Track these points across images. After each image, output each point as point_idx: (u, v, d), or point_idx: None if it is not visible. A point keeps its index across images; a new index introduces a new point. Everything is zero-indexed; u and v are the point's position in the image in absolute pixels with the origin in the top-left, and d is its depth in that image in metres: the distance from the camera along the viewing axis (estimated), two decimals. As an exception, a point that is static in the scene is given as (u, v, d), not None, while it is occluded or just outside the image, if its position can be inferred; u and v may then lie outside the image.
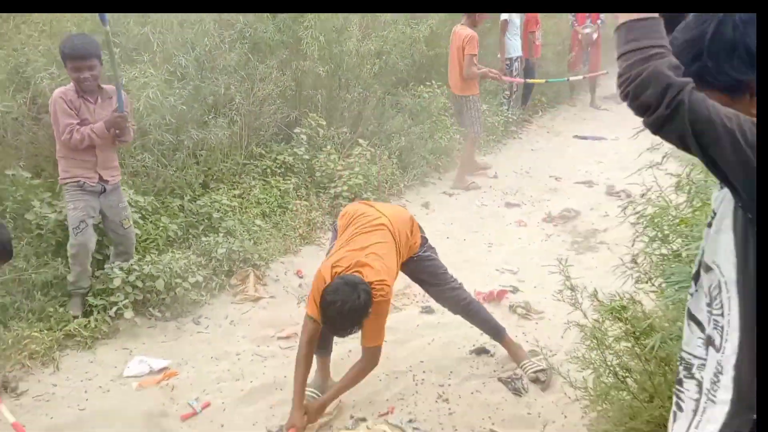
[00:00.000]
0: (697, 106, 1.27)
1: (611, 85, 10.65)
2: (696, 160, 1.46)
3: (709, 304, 1.49)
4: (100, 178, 3.93)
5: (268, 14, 5.93)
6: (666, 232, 2.63)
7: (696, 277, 1.54)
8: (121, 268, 3.92)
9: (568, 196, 6.35)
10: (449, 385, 3.44)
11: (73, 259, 3.88)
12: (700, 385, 1.52)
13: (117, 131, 3.82)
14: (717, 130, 1.26)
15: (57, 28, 4.64)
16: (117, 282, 3.86)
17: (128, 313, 3.83)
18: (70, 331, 3.69)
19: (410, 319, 4.06)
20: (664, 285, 2.57)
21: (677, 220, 2.55)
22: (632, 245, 2.85)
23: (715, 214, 1.44)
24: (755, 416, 1.40)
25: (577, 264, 4.71)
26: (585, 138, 8.42)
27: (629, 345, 2.63)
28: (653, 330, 2.53)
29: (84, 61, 3.71)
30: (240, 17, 5.65)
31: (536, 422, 3.13)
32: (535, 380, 3.44)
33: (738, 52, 1.35)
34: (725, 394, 1.44)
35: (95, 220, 4.00)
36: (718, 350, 1.46)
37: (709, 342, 1.50)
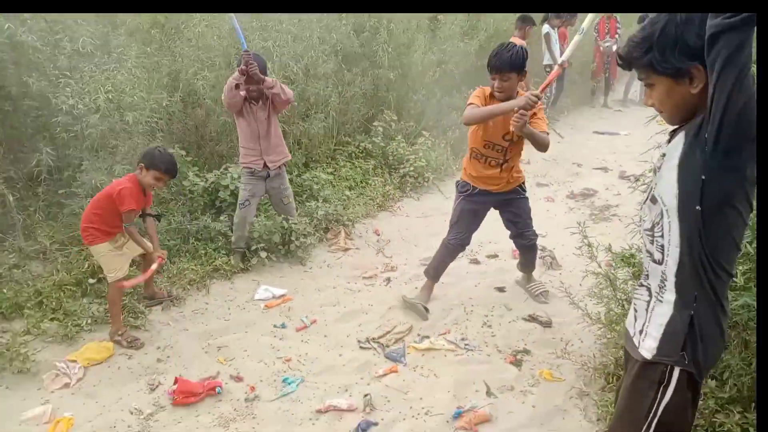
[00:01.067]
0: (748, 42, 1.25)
1: (621, 91, 10.54)
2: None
3: (650, 229, 1.57)
4: (265, 164, 3.97)
5: (353, 32, 6.07)
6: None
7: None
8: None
9: (587, 178, 6.37)
10: (492, 315, 3.63)
11: (236, 227, 4.10)
12: (649, 290, 1.62)
13: (245, 66, 3.62)
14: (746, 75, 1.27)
15: (203, 41, 4.93)
16: (255, 234, 4.20)
17: (262, 253, 4.17)
18: (216, 266, 4.02)
19: (461, 267, 4.22)
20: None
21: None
22: (640, 209, 2.98)
23: (663, 156, 1.51)
24: (692, 312, 1.49)
25: (593, 231, 4.82)
26: (602, 133, 8.32)
27: (634, 284, 2.80)
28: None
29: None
30: (334, 35, 5.82)
31: (559, 344, 3.30)
32: (539, 299, 3.71)
33: (679, 45, 1.39)
34: (670, 295, 1.54)
35: (259, 200, 4.13)
36: (659, 263, 1.55)
37: (652, 258, 1.59)
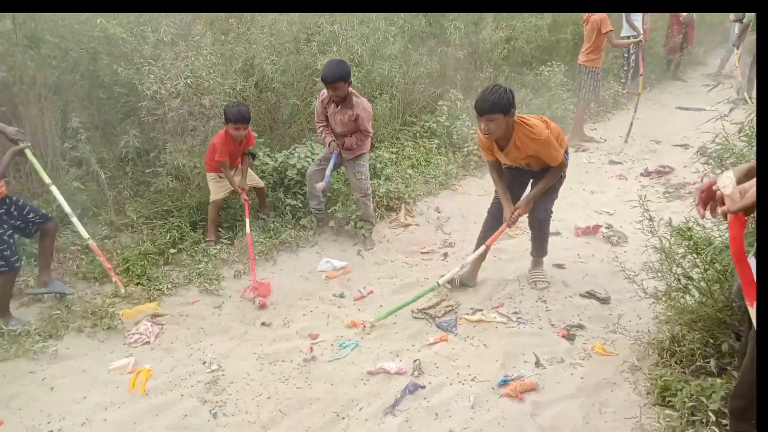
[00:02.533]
0: None
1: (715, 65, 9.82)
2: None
3: None
4: (340, 154, 4.16)
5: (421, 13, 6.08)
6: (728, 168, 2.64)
7: None
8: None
9: (665, 155, 6.08)
10: (548, 291, 3.62)
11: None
12: None
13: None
14: None
15: (275, 28, 5.16)
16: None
17: (332, 222, 4.48)
18: (283, 239, 4.28)
19: (519, 244, 4.19)
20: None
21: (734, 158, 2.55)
22: (700, 181, 2.87)
23: None
24: None
25: (666, 209, 4.64)
26: (687, 109, 7.85)
27: (692, 258, 2.71)
28: (712, 246, 2.60)
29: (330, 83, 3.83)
30: (402, 15, 5.86)
31: (614, 319, 3.27)
32: (533, 285, 3.63)
33: None
34: None
35: (333, 167, 4.18)
36: None
37: None
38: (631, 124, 6.65)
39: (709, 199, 1.69)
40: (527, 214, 3.54)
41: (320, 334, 3.28)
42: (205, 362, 3.06)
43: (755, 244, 1.62)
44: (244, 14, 5.46)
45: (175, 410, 2.71)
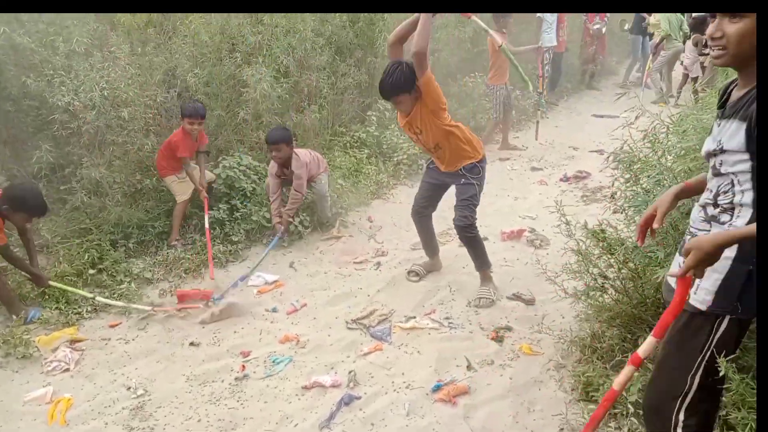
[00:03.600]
0: None
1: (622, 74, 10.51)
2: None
3: (716, 195, 1.61)
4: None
5: (349, 24, 6.13)
6: (635, 173, 2.81)
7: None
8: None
9: (582, 161, 6.40)
10: (491, 306, 3.64)
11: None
12: None
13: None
14: None
15: (197, 38, 5.03)
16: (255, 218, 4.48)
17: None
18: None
19: (450, 251, 4.28)
20: (631, 212, 2.77)
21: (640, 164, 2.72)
22: (612, 185, 3.04)
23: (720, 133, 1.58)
24: (751, 267, 1.53)
25: (584, 212, 4.88)
26: (601, 116, 8.31)
27: (607, 258, 2.87)
28: (624, 247, 2.76)
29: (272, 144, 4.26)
30: (329, 28, 5.87)
31: (539, 320, 3.38)
32: (476, 302, 3.59)
33: None
34: (730, 252, 1.55)
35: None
36: (723, 224, 1.59)
37: (712, 219, 1.63)
38: (537, 122, 7.19)
39: (647, 227, 1.82)
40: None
41: (252, 351, 3.21)
42: (129, 387, 2.92)
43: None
44: (165, 24, 5.29)
45: (98, 440, 2.56)
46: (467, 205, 3.54)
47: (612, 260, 2.81)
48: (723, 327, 1.63)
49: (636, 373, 2.53)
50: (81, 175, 4.20)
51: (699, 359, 1.68)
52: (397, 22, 6.38)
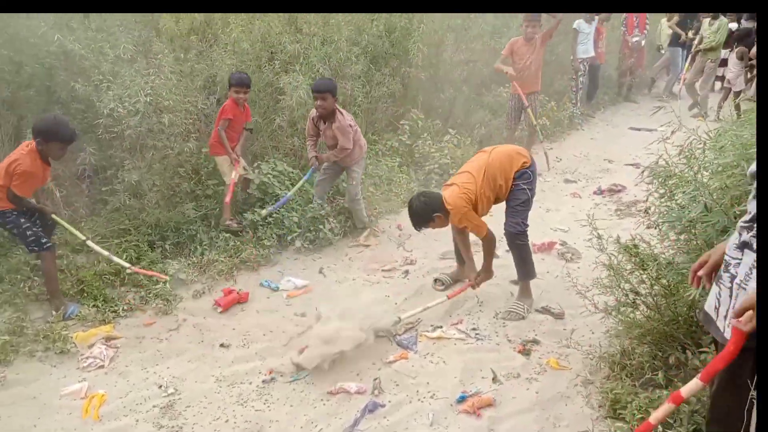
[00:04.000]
0: None
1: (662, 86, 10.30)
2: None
3: (750, 221, 1.60)
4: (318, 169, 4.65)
5: (385, 32, 6.16)
6: (670, 188, 2.76)
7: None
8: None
9: (617, 174, 6.29)
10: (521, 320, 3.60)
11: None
12: (732, 277, 1.64)
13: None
14: None
15: (238, 46, 5.16)
16: (287, 223, 4.55)
17: (297, 242, 4.48)
18: (243, 258, 4.21)
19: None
20: (664, 228, 2.71)
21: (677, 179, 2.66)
22: (646, 200, 2.99)
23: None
24: None
25: (617, 226, 4.79)
26: (639, 129, 8.15)
27: (639, 274, 2.81)
28: (657, 262, 2.70)
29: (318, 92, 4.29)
30: (365, 36, 5.93)
31: (567, 334, 3.34)
32: (505, 315, 3.56)
33: None
34: (754, 283, 1.54)
35: (330, 178, 4.77)
36: (753, 251, 1.57)
37: (745, 245, 1.61)
38: (546, 153, 6.46)
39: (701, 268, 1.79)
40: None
41: (281, 355, 3.25)
42: (161, 386, 2.99)
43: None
44: (207, 32, 5.44)
45: (129, 435, 2.64)
46: (520, 211, 3.54)
47: (644, 276, 2.76)
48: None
49: (666, 392, 2.50)
50: (122, 177, 4.34)
51: (746, 385, 1.64)
52: (431, 31, 6.46)
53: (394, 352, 3.25)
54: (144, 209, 4.40)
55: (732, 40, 8.09)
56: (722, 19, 8.11)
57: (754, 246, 1.56)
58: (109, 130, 4.21)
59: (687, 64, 9.19)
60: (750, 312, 1.47)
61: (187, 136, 4.63)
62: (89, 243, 3.78)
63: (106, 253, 3.78)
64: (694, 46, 8.84)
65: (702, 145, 2.64)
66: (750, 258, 1.57)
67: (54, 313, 3.51)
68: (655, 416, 1.78)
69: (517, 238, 3.55)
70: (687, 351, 2.65)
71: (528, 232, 3.60)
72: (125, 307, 3.68)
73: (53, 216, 3.69)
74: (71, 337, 3.32)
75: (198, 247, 4.29)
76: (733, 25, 8.74)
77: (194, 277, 4.03)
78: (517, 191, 3.51)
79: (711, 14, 8.09)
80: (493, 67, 6.32)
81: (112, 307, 3.66)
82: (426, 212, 3.42)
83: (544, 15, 6.45)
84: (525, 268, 3.63)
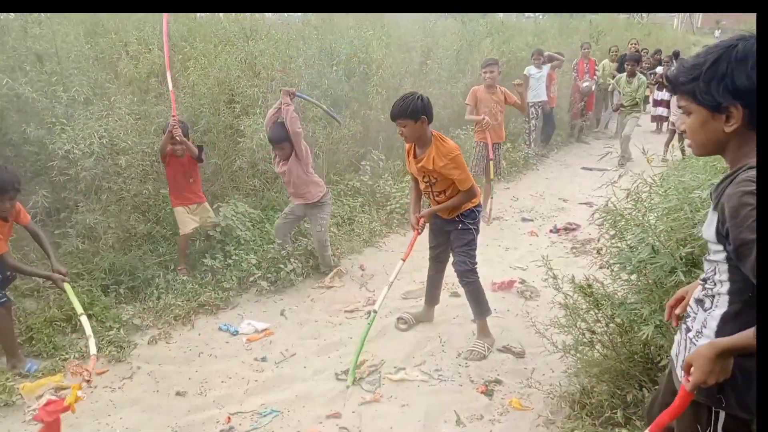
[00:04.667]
0: None
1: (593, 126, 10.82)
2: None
3: (704, 280, 1.60)
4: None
5: (344, 77, 6.30)
6: (620, 230, 2.86)
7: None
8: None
9: (572, 213, 6.49)
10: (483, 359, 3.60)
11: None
12: (688, 330, 1.63)
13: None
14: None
15: (196, 89, 5.15)
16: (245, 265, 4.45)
17: (263, 282, 4.39)
18: (201, 301, 4.12)
19: (442, 300, 4.18)
20: (616, 268, 2.80)
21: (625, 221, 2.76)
22: (598, 241, 3.09)
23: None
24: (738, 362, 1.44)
25: (573, 264, 4.92)
26: (591, 169, 8.47)
27: (593, 313, 2.88)
28: (611, 302, 2.78)
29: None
30: (325, 80, 6.03)
31: (528, 373, 3.37)
32: (466, 354, 3.57)
33: (726, 81, 1.38)
34: (704, 340, 1.54)
35: (294, 219, 4.70)
36: (705, 310, 1.57)
37: (699, 303, 1.61)
38: (490, 209, 6.17)
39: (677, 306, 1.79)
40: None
41: (240, 402, 3.16)
42: (113, 439, 2.85)
43: None
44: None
45: (77, 495, 2.49)
46: (466, 250, 3.58)
47: (599, 315, 2.83)
48: (721, 421, 1.55)
49: (624, 431, 2.54)
50: (76, 220, 4.22)
51: None
52: (389, 75, 6.64)
53: (358, 396, 3.20)
54: (98, 252, 4.28)
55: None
56: (641, 77, 8.59)
57: (705, 305, 1.58)
58: (63, 172, 4.11)
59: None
60: (696, 372, 1.45)
61: (144, 178, 4.56)
62: (82, 319, 3.42)
63: (89, 332, 3.28)
64: (614, 102, 9.40)
65: (648, 188, 2.76)
66: (702, 316, 1.58)
67: (11, 370, 3.31)
68: None
69: (466, 276, 3.60)
70: (644, 388, 2.71)
71: (477, 270, 3.66)
72: (76, 355, 3.52)
73: (65, 285, 3.36)
74: (17, 389, 3.14)
75: (154, 291, 4.18)
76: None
77: (150, 323, 3.91)
78: (463, 231, 3.57)
79: (629, 71, 8.54)
80: (465, 119, 6.20)
81: (62, 355, 3.49)
82: (417, 109, 3.27)
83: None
84: (479, 307, 3.68)
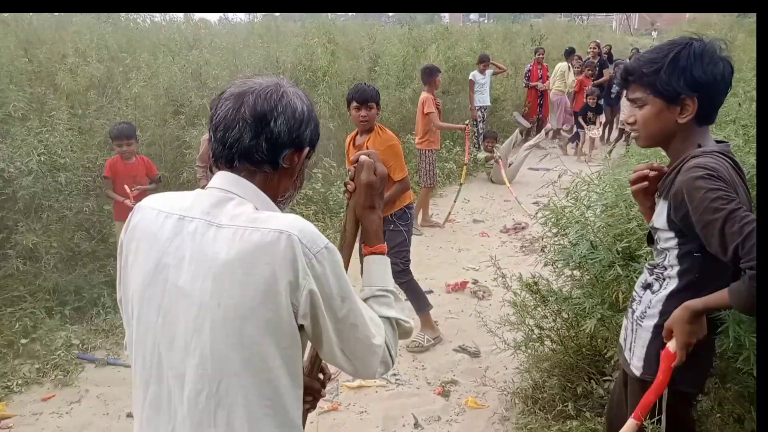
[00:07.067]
0: None
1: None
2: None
3: (654, 266, 1.68)
4: None
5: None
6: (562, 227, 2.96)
7: (651, 242, 1.71)
8: None
9: (520, 213, 6.67)
10: (423, 351, 3.73)
11: None
12: (633, 312, 1.71)
13: None
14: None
15: (140, 101, 5.04)
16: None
17: None
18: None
19: None
20: (560, 265, 2.90)
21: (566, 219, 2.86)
22: (542, 239, 3.19)
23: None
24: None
25: (523, 262, 5.04)
26: (537, 170, 8.71)
27: (541, 310, 2.97)
28: (556, 297, 2.87)
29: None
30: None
31: (483, 372, 3.43)
32: (409, 349, 3.68)
33: (686, 74, 1.47)
34: (650, 321, 1.64)
35: None
36: (654, 293, 1.65)
37: (647, 286, 1.69)
38: (450, 212, 6.33)
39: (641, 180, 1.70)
40: None
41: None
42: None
43: None
44: (108, 87, 5.28)
45: None
46: (396, 252, 3.59)
47: (546, 311, 2.92)
48: (664, 398, 1.61)
49: (575, 423, 2.63)
50: (15, 240, 4.04)
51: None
52: (336, 83, 6.65)
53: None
54: (41, 273, 4.09)
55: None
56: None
57: (654, 287, 1.67)
58: (-1, 192, 3.93)
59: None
60: (678, 336, 1.51)
61: (87, 195, 4.41)
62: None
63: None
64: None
65: (586, 186, 2.88)
66: (648, 297, 1.67)
67: None
68: None
69: (398, 277, 3.56)
70: (592, 380, 2.82)
71: (410, 269, 3.72)
72: (19, 382, 3.37)
73: None
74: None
75: (101, 311, 4.04)
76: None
77: (98, 344, 3.77)
78: (394, 232, 3.58)
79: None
80: (439, 126, 5.89)
81: (4, 382, 3.33)
82: (378, 94, 3.51)
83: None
84: (417, 303, 3.74)
